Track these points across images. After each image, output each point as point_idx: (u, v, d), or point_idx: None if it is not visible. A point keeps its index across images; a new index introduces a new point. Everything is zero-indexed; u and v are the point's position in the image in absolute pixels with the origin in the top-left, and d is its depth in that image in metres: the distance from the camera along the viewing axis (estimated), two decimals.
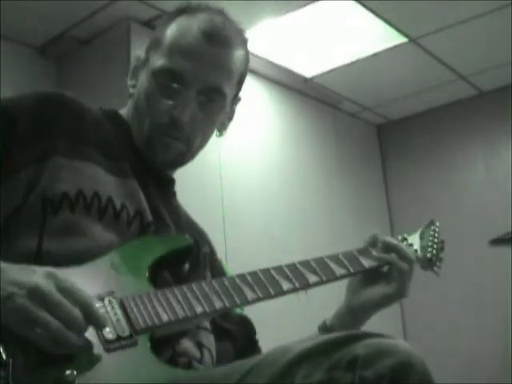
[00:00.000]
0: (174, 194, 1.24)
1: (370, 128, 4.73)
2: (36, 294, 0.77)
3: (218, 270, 1.23)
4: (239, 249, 3.13)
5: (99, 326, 0.83)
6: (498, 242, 3.98)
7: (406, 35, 3.50)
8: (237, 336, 1.22)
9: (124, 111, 1.21)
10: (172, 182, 1.22)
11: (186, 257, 1.09)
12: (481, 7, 3.27)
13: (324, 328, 1.23)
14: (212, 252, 1.26)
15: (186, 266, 1.10)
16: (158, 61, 1.11)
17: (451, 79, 4.09)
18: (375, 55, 3.68)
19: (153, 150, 1.13)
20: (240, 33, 1.17)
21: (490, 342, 3.93)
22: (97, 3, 3.00)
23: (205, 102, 1.12)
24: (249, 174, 3.57)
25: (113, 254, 0.99)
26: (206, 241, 1.27)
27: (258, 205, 3.54)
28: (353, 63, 3.76)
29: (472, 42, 3.63)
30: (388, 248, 1.22)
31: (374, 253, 1.23)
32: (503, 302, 3.87)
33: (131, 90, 1.18)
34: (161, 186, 1.17)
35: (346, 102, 4.30)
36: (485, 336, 3.95)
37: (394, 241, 1.24)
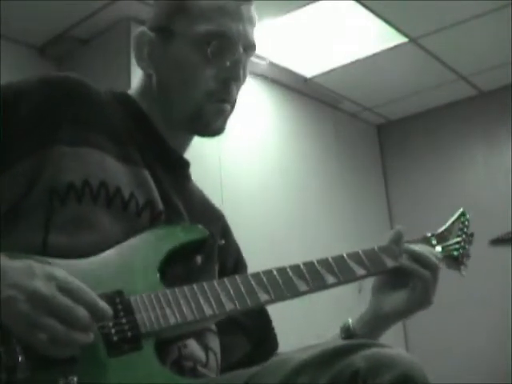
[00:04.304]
0: (188, 177, 1.18)
1: (370, 128, 4.73)
2: (37, 299, 0.75)
3: (234, 249, 1.21)
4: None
5: (107, 320, 0.81)
6: (497, 241, 3.98)
7: (406, 35, 3.50)
8: (251, 328, 1.17)
9: (133, 93, 1.14)
10: (187, 164, 1.17)
11: (200, 249, 1.05)
12: (481, 7, 3.27)
13: (346, 330, 1.18)
14: (226, 233, 1.22)
15: (199, 259, 1.06)
16: (199, 27, 1.06)
17: (451, 79, 4.09)
18: (375, 55, 3.68)
19: (203, 122, 1.09)
20: None
21: (491, 343, 3.92)
22: (97, 3, 3.00)
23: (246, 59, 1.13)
24: (249, 174, 3.57)
25: (122, 248, 0.95)
26: (222, 221, 1.22)
27: (258, 205, 3.54)
28: (353, 63, 3.76)
29: (472, 42, 3.63)
30: (410, 256, 1.16)
31: (397, 251, 1.16)
32: (503, 302, 3.87)
33: (148, 71, 1.11)
34: (173, 171, 1.12)
35: (346, 101, 4.30)
36: (485, 337, 3.95)
37: (416, 250, 1.17)
